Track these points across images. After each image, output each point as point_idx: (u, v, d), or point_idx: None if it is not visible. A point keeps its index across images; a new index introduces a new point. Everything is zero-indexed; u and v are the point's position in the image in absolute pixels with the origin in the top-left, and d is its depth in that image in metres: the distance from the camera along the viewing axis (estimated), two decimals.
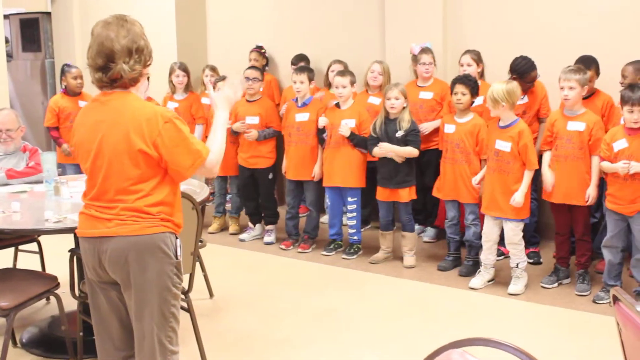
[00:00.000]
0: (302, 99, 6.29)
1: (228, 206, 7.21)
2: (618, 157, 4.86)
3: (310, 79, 6.31)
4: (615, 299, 2.63)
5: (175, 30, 8.30)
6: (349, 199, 6.15)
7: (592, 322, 4.72)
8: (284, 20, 7.97)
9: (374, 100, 6.49)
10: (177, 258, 3.02)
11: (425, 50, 6.40)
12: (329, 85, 6.85)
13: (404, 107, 5.74)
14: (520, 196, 5.14)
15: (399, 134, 5.71)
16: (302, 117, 6.24)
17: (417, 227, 6.53)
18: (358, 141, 5.92)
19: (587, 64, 5.57)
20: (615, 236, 5.00)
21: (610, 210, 4.98)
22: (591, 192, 5.12)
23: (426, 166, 6.34)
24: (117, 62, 2.90)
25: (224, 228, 7.15)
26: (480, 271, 5.51)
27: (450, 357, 2.13)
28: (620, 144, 4.87)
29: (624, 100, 4.82)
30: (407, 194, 5.83)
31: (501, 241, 5.49)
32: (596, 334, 4.49)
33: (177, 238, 3.04)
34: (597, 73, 5.65)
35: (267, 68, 7.83)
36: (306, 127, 6.22)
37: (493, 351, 2.15)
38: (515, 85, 5.26)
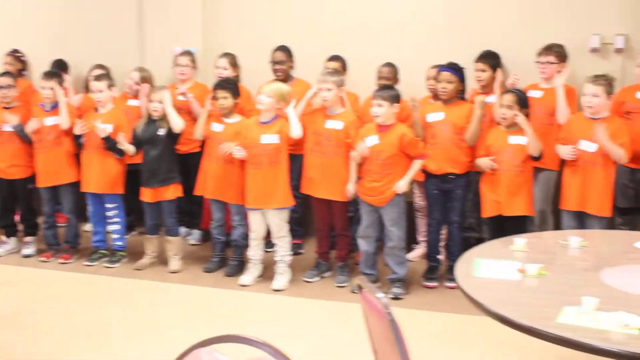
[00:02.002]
0: (51, 103, 6.03)
1: None
2: (371, 152, 5.13)
3: (60, 84, 6.07)
4: (360, 287, 2.78)
5: None
6: (108, 205, 6.01)
7: (350, 311, 4.88)
8: (42, 25, 7.60)
9: (134, 102, 6.40)
10: None
11: (184, 53, 6.42)
12: (87, 89, 6.67)
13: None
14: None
15: (161, 131, 5.68)
16: (52, 121, 5.98)
17: (183, 230, 6.53)
18: (111, 145, 5.79)
19: (336, 61, 5.98)
20: (370, 226, 5.28)
21: (363, 201, 5.25)
22: (350, 188, 5.34)
23: (191, 168, 6.33)
24: None
25: None
26: (249, 268, 5.60)
27: (199, 357, 2.15)
28: (372, 140, 5.14)
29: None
30: (172, 192, 5.80)
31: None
32: (354, 322, 4.65)
33: None
34: (344, 69, 5.98)
35: (24, 73, 7.46)
36: (57, 132, 5.98)
37: (243, 347, 2.19)
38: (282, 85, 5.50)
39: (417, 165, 5.16)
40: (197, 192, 5.87)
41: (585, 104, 4.97)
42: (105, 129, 5.74)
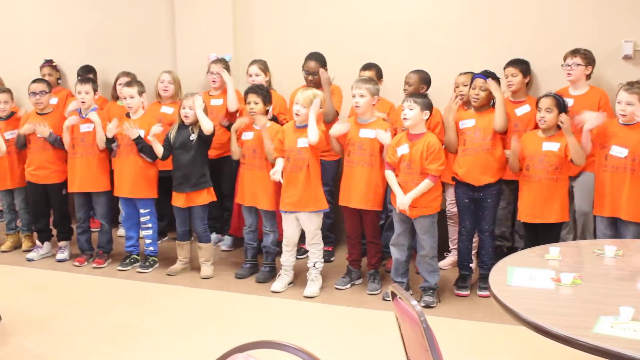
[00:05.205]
0: (86, 110, 6.12)
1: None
2: (400, 162, 5.13)
3: (95, 90, 6.16)
4: (393, 295, 2.79)
5: None
6: (141, 210, 6.08)
7: (382, 319, 4.90)
8: (71, 33, 7.76)
9: (167, 110, 6.46)
10: None
11: (217, 60, 6.47)
12: (116, 97, 6.74)
13: None
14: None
15: (193, 136, 5.72)
16: (87, 127, 6.08)
17: (214, 236, 6.57)
18: (143, 147, 5.86)
19: (370, 69, 5.96)
20: (401, 234, 5.27)
21: (395, 210, 5.23)
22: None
23: (222, 173, 6.38)
24: None
25: (17, 246, 6.83)
26: (280, 274, 5.63)
27: None
28: (403, 149, 5.13)
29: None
30: (204, 197, 5.84)
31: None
32: (385, 329, 4.65)
33: None
34: (379, 78, 5.97)
35: (59, 82, 7.59)
36: (91, 137, 6.07)
37: (277, 353, 2.20)
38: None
39: (424, 185, 5.03)
40: (238, 200, 5.91)
41: (619, 112, 4.93)
42: (136, 130, 5.82)
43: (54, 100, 6.86)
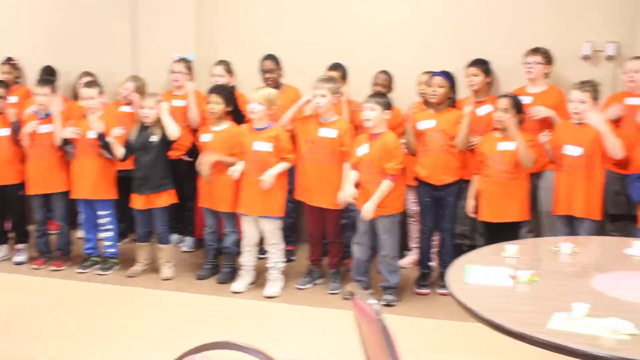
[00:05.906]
0: (44, 110, 6.03)
1: None
2: (360, 163, 5.14)
3: (54, 91, 6.08)
4: (352, 294, 2.79)
5: None
6: (100, 211, 6.01)
7: (343, 318, 4.85)
8: (35, 32, 7.63)
9: (126, 109, 6.42)
10: None
11: (180, 60, 6.43)
12: (77, 97, 6.66)
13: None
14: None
15: (153, 138, 5.68)
16: (46, 128, 5.98)
17: (175, 237, 6.53)
18: (105, 144, 5.78)
19: (336, 70, 5.98)
20: (365, 233, 5.27)
21: (358, 210, 5.24)
22: (341, 195, 5.32)
23: (184, 174, 6.34)
24: None
25: None
26: (241, 274, 5.60)
27: None
28: (362, 150, 5.14)
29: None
30: (165, 199, 5.79)
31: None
32: (346, 329, 4.63)
33: None
34: (344, 78, 5.97)
35: (19, 80, 7.48)
36: (50, 138, 5.97)
37: (235, 354, 2.19)
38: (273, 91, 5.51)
39: (384, 186, 5.05)
40: (201, 203, 5.86)
41: (572, 110, 5.00)
42: (100, 125, 5.75)
43: (13, 99, 6.75)
